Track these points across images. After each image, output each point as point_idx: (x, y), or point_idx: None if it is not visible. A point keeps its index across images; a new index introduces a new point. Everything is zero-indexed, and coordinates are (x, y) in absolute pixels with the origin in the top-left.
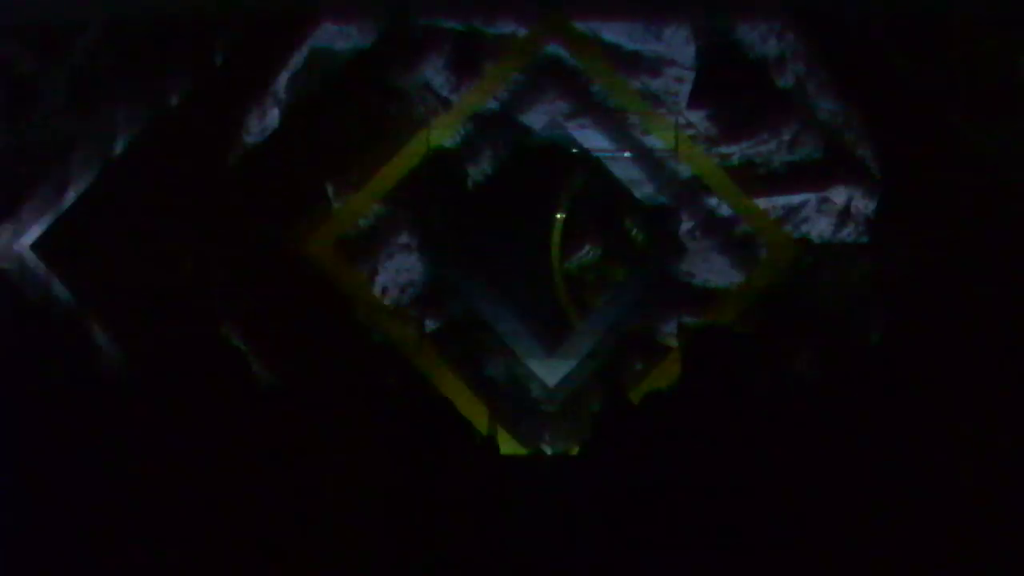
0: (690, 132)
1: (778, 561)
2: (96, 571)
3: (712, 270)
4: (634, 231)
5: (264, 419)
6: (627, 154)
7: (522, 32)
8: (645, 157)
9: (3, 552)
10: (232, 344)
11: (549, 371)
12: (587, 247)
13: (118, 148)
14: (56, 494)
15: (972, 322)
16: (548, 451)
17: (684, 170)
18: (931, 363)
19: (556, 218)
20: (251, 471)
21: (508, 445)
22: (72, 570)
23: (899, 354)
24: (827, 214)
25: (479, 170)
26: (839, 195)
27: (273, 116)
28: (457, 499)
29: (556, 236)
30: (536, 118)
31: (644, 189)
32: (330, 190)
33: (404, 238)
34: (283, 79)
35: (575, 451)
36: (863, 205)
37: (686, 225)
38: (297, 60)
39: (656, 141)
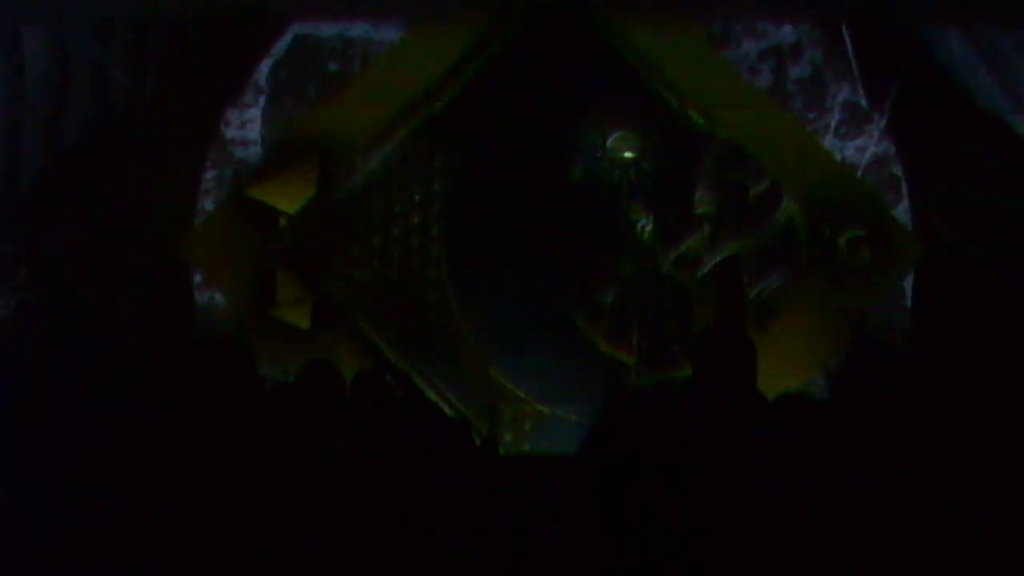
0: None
1: (781, 563)
2: None
3: None
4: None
5: (259, 419)
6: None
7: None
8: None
9: None
10: (229, 342)
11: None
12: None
13: (94, 140)
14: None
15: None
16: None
17: None
18: (950, 369)
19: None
20: (244, 472)
21: (507, 445)
22: None
23: (921, 359)
24: None
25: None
26: None
27: (254, 106)
28: (457, 499)
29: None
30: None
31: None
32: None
33: (397, 231)
34: (265, 67)
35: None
36: None
37: None
38: (279, 47)
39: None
